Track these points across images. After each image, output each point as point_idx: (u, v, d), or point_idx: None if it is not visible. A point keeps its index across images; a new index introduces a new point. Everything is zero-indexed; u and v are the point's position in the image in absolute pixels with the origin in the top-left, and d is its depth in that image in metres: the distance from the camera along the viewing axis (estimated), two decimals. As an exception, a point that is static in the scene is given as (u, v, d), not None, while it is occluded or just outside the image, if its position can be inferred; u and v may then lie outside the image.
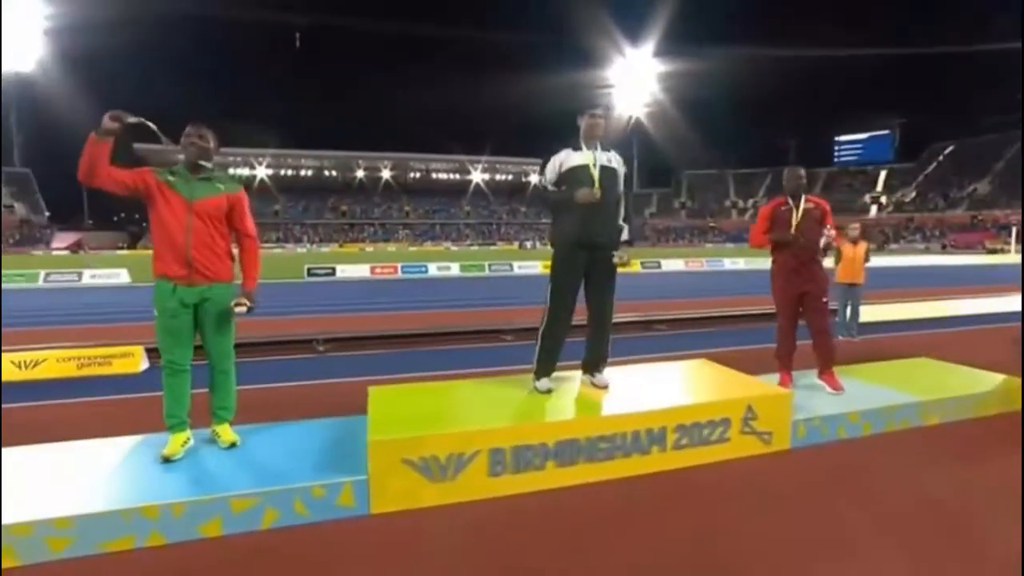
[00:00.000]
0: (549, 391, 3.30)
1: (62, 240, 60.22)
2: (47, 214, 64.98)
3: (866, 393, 3.83)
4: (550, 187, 3.38)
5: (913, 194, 66.84)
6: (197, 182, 2.81)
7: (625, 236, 3.49)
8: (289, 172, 79.99)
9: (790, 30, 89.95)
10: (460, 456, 2.64)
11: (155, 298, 2.79)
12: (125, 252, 52.73)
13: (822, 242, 3.77)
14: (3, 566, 2.12)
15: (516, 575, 2.13)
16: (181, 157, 2.84)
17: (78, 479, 2.53)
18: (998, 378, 4.13)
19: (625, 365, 4.22)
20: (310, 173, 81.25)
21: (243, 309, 2.85)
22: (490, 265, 23.52)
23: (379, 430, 2.67)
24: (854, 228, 6.69)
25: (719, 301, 10.87)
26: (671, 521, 2.52)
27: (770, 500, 2.72)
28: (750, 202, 79.93)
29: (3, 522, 2.14)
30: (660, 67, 77.75)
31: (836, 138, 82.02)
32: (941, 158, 68.72)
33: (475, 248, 62.90)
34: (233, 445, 2.91)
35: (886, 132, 77.02)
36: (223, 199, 2.85)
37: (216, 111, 78.61)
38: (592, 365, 3.49)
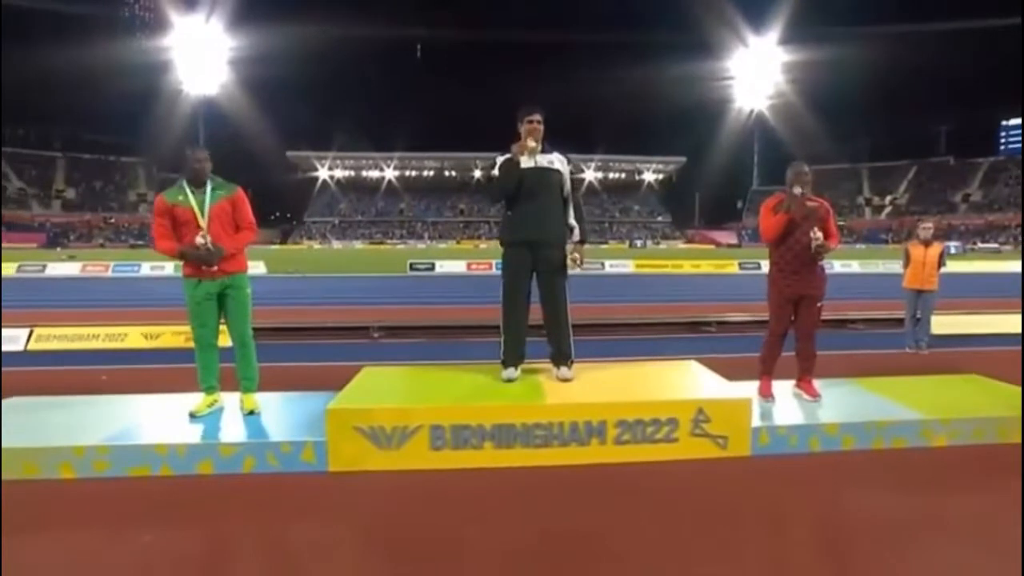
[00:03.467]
0: (511, 380, 3.56)
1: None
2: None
3: (863, 405, 3.61)
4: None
5: (1108, 186, 54.86)
6: (204, 194, 3.39)
7: (577, 236, 3.63)
8: (413, 173, 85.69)
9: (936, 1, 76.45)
10: (404, 428, 3.04)
11: (185, 291, 3.46)
12: (276, 247, 60.10)
13: (812, 246, 3.60)
14: (64, 477, 2.93)
15: (431, 543, 2.41)
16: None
17: (126, 422, 3.32)
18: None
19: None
20: (431, 174, 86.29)
21: (201, 240, 3.30)
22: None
23: (341, 400, 3.17)
24: (926, 228, 5.95)
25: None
26: (586, 510, 2.68)
27: (697, 504, 2.75)
28: (887, 199, 70.47)
29: (68, 444, 2.95)
30: (785, 56, 71.39)
31: (1002, 122, 70.05)
32: None
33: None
34: (252, 413, 3.49)
35: (1068, 112, 64.09)
36: (227, 203, 3.44)
37: (354, 120, 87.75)
38: (558, 359, 3.66)
